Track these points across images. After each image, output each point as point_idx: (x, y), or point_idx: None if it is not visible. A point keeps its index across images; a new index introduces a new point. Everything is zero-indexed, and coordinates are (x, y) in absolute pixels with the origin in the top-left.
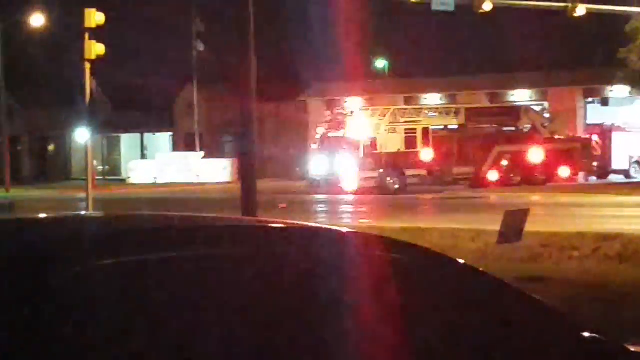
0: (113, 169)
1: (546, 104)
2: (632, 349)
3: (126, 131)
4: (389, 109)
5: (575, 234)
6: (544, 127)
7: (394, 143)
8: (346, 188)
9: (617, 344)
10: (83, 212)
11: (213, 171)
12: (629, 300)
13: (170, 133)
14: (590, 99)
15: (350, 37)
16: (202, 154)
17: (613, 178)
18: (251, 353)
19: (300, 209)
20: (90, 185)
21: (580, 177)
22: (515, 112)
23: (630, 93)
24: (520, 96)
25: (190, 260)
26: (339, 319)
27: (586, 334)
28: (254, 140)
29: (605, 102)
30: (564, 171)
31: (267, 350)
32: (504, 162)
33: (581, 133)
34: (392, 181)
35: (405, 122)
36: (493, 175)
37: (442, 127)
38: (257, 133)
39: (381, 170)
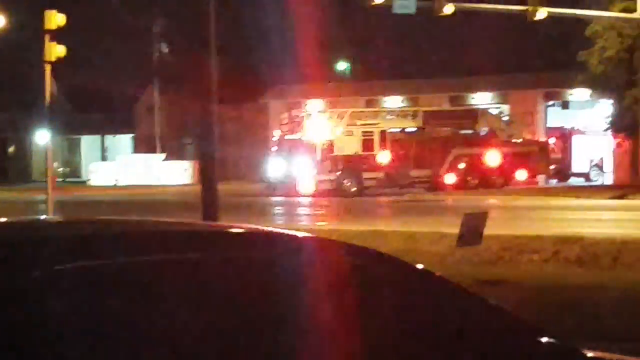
0: (73, 170)
1: (504, 107)
2: (590, 353)
3: (87, 133)
4: (347, 111)
5: (535, 237)
6: (502, 130)
7: (351, 146)
8: (303, 191)
9: (575, 348)
10: (42, 216)
11: (174, 173)
12: (587, 304)
13: (131, 135)
14: (550, 102)
15: (312, 39)
16: (163, 156)
17: (573, 181)
18: (209, 357)
19: (256, 211)
20: (50, 187)
21: (541, 180)
22: (473, 115)
23: (591, 96)
24: (481, 99)
25: (147, 265)
26: (293, 323)
27: (543, 339)
28: (215, 143)
29: (565, 105)
30: (521, 174)
31: (223, 353)
32: (462, 165)
33: (542, 136)
34: (349, 184)
35: (363, 124)
36: (450, 178)
37: (399, 129)
38: (218, 135)
39: (338, 173)
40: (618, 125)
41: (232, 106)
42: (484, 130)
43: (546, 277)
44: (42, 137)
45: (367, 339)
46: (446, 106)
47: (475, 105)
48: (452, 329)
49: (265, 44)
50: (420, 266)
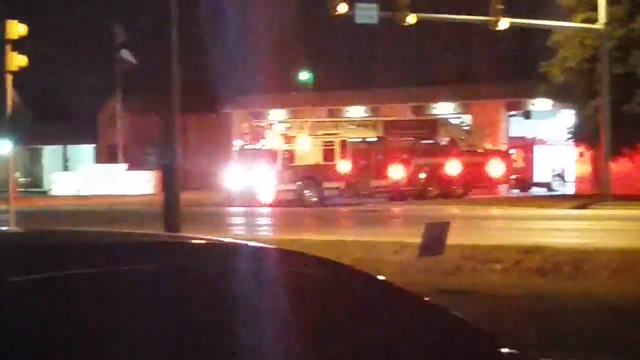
0: (35, 180)
1: (466, 117)
2: None
3: (49, 143)
4: (307, 121)
5: (497, 247)
6: (462, 140)
7: (312, 156)
8: (263, 200)
9: (536, 359)
10: (1, 228)
11: (136, 183)
12: (549, 313)
13: (93, 145)
14: (512, 112)
15: (275, 49)
16: (125, 166)
17: (535, 191)
18: None
19: (215, 222)
20: (11, 198)
21: (503, 189)
22: (433, 125)
23: (553, 106)
24: (444, 109)
25: (104, 276)
26: (249, 334)
27: (504, 350)
28: (177, 153)
29: (527, 115)
30: (481, 184)
31: None
32: (422, 175)
33: (504, 146)
34: (309, 194)
35: (323, 134)
36: (410, 188)
37: (360, 139)
38: (181, 145)
39: (299, 183)
40: (579, 135)
41: (195, 116)
42: (444, 140)
43: (508, 287)
44: (3, 146)
45: (325, 350)
46: (409, 116)
47: (437, 115)
48: (411, 339)
49: (229, 54)
50: (381, 277)
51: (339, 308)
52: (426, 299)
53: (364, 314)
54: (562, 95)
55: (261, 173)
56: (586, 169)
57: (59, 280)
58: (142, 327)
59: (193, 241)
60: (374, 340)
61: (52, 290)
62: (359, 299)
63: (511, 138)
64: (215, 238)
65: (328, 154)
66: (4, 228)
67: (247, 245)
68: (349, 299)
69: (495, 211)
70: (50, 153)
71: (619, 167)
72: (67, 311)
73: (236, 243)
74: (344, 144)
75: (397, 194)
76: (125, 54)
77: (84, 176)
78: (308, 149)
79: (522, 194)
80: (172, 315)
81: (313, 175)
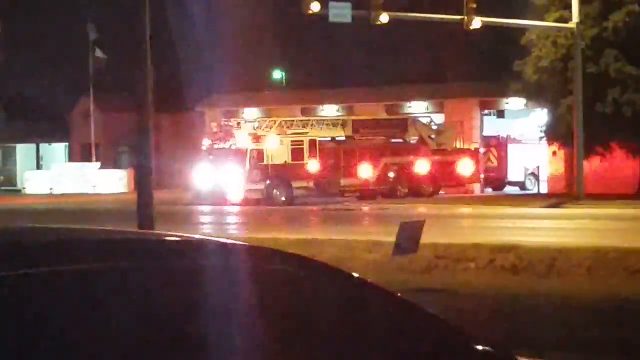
0: (8, 179)
1: (438, 116)
2: None
3: (22, 141)
4: (276, 120)
5: (471, 246)
6: (431, 138)
7: (280, 155)
8: (232, 199)
9: (510, 355)
10: None
11: (109, 182)
12: (522, 311)
13: (66, 143)
14: (486, 111)
15: (248, 48)
16: (99, 164)
17: (509, 189)
18: None
19: (183, 220)
20: None
21: (476, 188)
22: (402, 124)
23: (526, 105)
24: (417, 108)
25: (76, 273)
26: (223, 331)
27: (479, 347)
28: (150, 151)
29: (501, 114)
30: (450, 183)
31: None
32: (391, 174)
33: (478, 145)
34: (278, 193)
35: (292, 133)
36: (380, 187)
37: (329, 138)
38: (154, 143)
39: (268, 182)
40: (552, 134)
41: (168, 114)
42: (413, 139)
43: (482, 285)
44: None
45: (299, 347)
46: (382, 115)
47: (410, 113)
48: (385, 336)
49: (202, 53)
50: (355, 274)
51: (313, 304)
52: (400, 295)
53: (338, 311)
54: (535, 94)
55: (230, 172)
56: (559, 167)
57: (37, 277)
58: (117, 323)
59: (169, 238)
60: (347, 337)
61: (31, 287)
62: (332, 295)
63: (485, 137)
64: (193, 235)
65: (297, 153)
66: None
67: (222, 242)
68: (323, 295)
69: (468, 210)
70: (23, 151)
71: (592, 166)
72: (45, 308)
73: (213, 240)
74: (313, 143)
75: (366, 193)
76: (98, 52)
77: (57, 174)
78: (277, 148)
79: (496, 193)
80: (149, 311)
81: (282, 175)
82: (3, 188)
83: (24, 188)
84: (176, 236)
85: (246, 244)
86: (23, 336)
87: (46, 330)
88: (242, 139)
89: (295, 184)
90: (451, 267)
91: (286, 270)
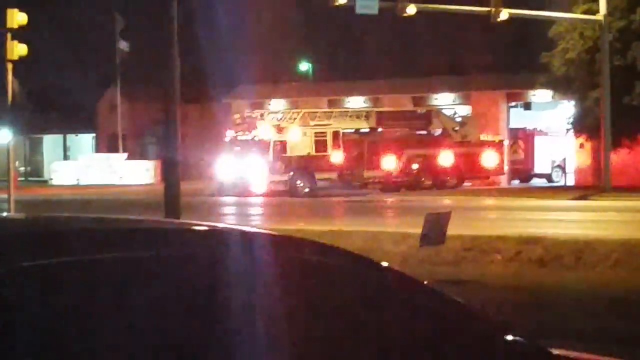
0: (35, 170)
1: (465, 108)
2: (555, 351)
3: (49, 132)
4: (300, 112)
5: (498, 238)
6: (455, 130)
7: (304, 146)
8: (255, 191)
9: (539, 346)
10: (4, 214)
11: (136, 173)
12: (550, 303)
13: (93, 134)
14: (513, 103)
15: (275, 39)
16: (125, 155)
17: (535, 182)
18: (164, 355)
19: (208, 211)
20: (12, 187)
21: (503, 180)
22: (426, 116)
23: (553, 97)
24: (443, 100)
25: (107, 262)
26: (256, 321)
27: (509, 337)
28: (177, 143)
29: (528, 106)
30: (475, 175)
31: (178, 352)
32: (415, 166)
33: (504, 137)
34: (302, 184)
35: (316, 125)
36: (404, 179)
37: (353, 130)
38: (180, 135)
39: (291, 173)
40: (580, 126)
41: (195, 105)
42: (437, 131)
43: (509, 277)
44: (3, 136)
45: (334, 337)
46: (408, 107)
47: (436, 105)
48: (417, 326)
49: (229, 44)
50: (385, 264)
51: (345, 294)
52: (430, 285)
53: (370, 301)
54: (562, 86)
55: (253, 163)
56: (586, 160)
57: (71, 266)
58: (146, 313)
59: (200, 228)
60: (379, 326)
61: (59, 276)
62: (364, 285)
63: (511, 129)
64: (224, 225)
65: (320, 145)
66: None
67: (254, 231)
68: (355, 285)
69: (493, 202)
70: (50, 142)
71: (619, 158)
72: (75, 297)
73: (244, 229)
74: (336, 134)
75: (390, 185)
76: (122, 43)
77: (84, 165)
78: (300, 140)
79: (522, 185)
80: (179, 301)
81: (305, 166)
82: (30, 179)
83: (51, 179)
84: (207, 225)
85: (276, 233)
86: (59, 323)
87: (81, 318)
88: (265, 130)
89: (318, 176)
90: (478, 259)
91: (316, 259)
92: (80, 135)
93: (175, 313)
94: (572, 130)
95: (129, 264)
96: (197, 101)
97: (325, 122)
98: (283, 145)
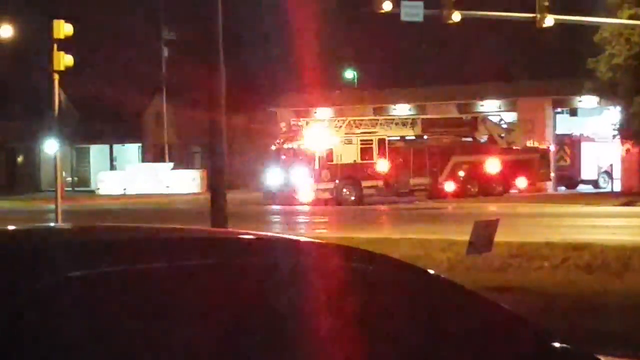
0: (82, 180)
1: (510, 114)
2: (602, 358)
3: (95, 142)
4: (345, 120)
5: (545, 244)
6: (501, 137)
7: (349, 154)
8: (301, 199)
9: (588, 354)
10: (52, 224)
11: (182, 182)
12: (598, 310)
13: (139, 144)
14: (559, 109)
15: (320, 47)
16: (172, 164)
17: (582, 188)
18: None
19: (255, 220)
20: (59, 197)
21: (549, 187)
22: (472, 123)
23: (599, 103)
24: (489, 107)
25: (159, 271)
26: (309, 329)
27: (557, 344)
28: (224, 153)
29: (574, 112)
30: (521, 182)
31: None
32: (461, 173)
33: (546, 144)
34: (348, 192)
35: (361, 133)
36: (450, 186)
37: (398, 138)
38: (226, 144)
39: (337, 182)
40: (626, 132)
41: (240, 114)
42: (483, 138)
43: (557, 284)
44: (50, 146)
45: (382, 344)
46: (454, 114)
47: (482, 112)
48: (466, 333)
49: (274, 53)
50: (431, 271)
51: (395, 303)
52: (479, 294)
53: (420, 309)
54: (608, 92)
55: (299, 172)
56: (633, 165)
57: (120, 276)
58: (200, 323)
59: (252, 237)
60: (430, 334)
61: (108, 286)
62: (414, 294)
63: (558, 135)
64: (281, 234)
65: (366, 153)
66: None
67: (304, 240)
68: (405, 294)
69: (540, 209)
70: (97, 152)
71: None
72: (125, 307)
73: (295, 238)
74: (382, 142)
75: (436, 192)
76: (166, 33)
77: (131, 175)
78: (346, 148)
79: (569, 192)
80: (228, 311)
81: (351, 174)
82: (77, 189)
83: (97, 189)
84: (256, 235)
85: (322, 241)
86: (113, 332)
87: (130, 327)
88: (311, 138)
89: (364, 184)
90: (525, 266)
91: (364, 268)
92: (127, 145)
93: (225, 322)
94: (618, 136)
95: (177, 274)
96: (243, 110)
97: (371, 129)
98: (329, 153)
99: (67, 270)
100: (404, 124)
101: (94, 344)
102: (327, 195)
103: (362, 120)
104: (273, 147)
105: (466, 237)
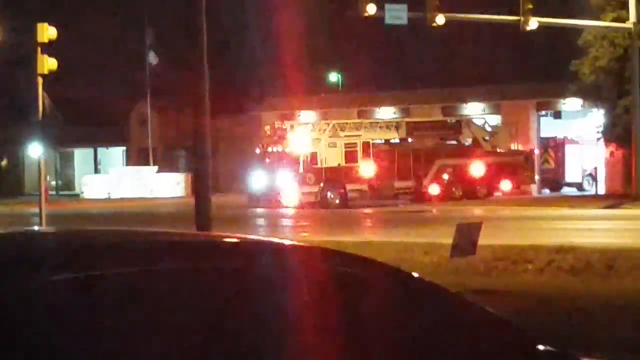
0: (66, 183)
1: (495, 117)
2: None
3: (79, 146)
4: (329, 123)
5: (529, 247)
6: (486, 140)
7: (334, 157)
8: (286, 202)
9: (573, 356)
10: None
11: (167, 186)
12: (582, 312)
13: (124, 147)
14: (543, 112)
15: (304, 50)
16: (156, 168)
17: (566, 191)
18: None
19: (240, 223)
20: (43, 201)
21: (533, 189)
22: (456, 126)
23: (583, 106)
24: (473, 110)
25: (140, 275)
26: (289, 333)
27: (541, 347)
28: (208, 156)
29: (558, 115)
30: (505, 184)
31: None
32: (445, 176)
33: (530, 146)
34: (332, 196)
35: (346, 136)
36: (434, 189)
37: (383, 141)
38: (211, 147)
39: (322, 185)
40: (610, 135)
41: (225, 117)
42: (468, 140)
43: (541, 287)
44: (34, 150)
45: (366, 348)
46: (438, 116)
47: (466, 115)
48: (450, 336)
49: (258, 56)
50: (415, 274)
51: (374, 305)
52: (462, 296)
53: (401, 311)
54: (592, 94)
55: (283, 175)
56: (617, 168)
57: (103, 279)
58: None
59: (235, 240)
60: (410, 337)
61: (94, 289)
62: (395, 296)
63: (542, 138)
64: (261, 237)
65: (351, 156)
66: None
67: (283, 243)
68: (385, 296)
69: (524, 211)
70: (81, 156)
71: None
72: (109, 310)
73: (274, 241)
74: (366, 145)
75: (420, 195)
76: (151, 57)
77: (115, 179)
78: (330, 151)
79: (553, 194)
80: (218, 313)
81: (336, 177)
82: (61, 193)
83: (82, 192)
84: (239, 238)
85: (306, 244)
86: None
87: (112, 329)
88: (295, 141)
89: (349, 187)
90: (509, 269)
91: (347, 271)
92: (111, 149)
93: (205, 326)
94: (602, 139)
95: (156, 277)
96: (228, 113)
97: (355, 133)
98: (313, 156)
99: (51, 274)
100: (388, 127)
101: (77, 347)
102: (311, 198)
103: (346, 123)
104: (257, 151)
105: (450, 240)
